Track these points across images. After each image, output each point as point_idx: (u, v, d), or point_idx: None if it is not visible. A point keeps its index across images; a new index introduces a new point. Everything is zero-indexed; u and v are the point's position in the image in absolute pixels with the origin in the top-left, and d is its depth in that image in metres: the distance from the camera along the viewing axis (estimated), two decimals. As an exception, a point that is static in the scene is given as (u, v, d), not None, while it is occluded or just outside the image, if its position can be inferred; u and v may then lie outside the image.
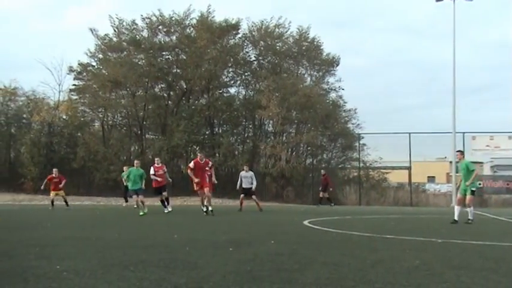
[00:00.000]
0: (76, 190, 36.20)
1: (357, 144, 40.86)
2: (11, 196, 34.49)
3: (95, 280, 5.51)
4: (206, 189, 18.02)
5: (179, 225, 14.43)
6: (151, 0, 64.30)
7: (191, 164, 18.62)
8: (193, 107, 42.36)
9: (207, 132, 42.80)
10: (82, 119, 43.57)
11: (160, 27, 42.38)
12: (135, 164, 20.29)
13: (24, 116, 44.75)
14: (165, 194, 20.56)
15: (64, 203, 24.83)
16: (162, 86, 44.09)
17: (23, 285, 5.27)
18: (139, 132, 42.97)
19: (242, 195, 22.41)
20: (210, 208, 17.92)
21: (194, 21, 42.21)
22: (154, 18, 41.80)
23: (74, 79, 44.44)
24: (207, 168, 18.43)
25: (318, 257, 7.39)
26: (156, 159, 21.70)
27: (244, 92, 44.97)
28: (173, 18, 41.86)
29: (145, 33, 42.68)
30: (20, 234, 11.22)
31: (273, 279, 5.58)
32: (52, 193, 24.67)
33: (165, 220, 16.15)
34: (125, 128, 44.56)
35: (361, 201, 37.39)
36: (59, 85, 44.64)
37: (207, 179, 18.19)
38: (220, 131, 43.29)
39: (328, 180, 31.31)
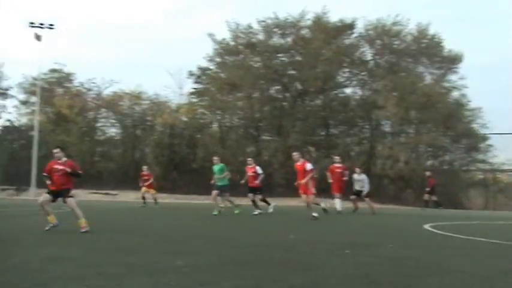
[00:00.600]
0: (196, 189, 37.36)
1: (483, 145, 38.66)
2: (136, 194, 36.18)
3: (214, 276, 5.59)
4: (304, 196, 16.14)
5: (294, 225, 14.36)
6: (266, 3, 65.08)
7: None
8: (308, 108, 42.29)
9: (323, 133, 42.55)
10: (201, 121, 45.03)
11: (275, 29, 42.80)
12: (214, 161, 19.22)
13: (148, 118, 47.04)
14: (258, 196, 19.25)
15: (153, 200, 24.48)
16: (278, 87, 44.46)
17: (147, 279, 5.45)
18: (255, 133, 43.63)
19: (354, 197, 21.81)
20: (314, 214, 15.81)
21: (309, 22, 42.21)
22: (269, 21, 42.31)
23: (194, 83, 46.19)
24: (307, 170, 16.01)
25: (441, 263, 6.97)
26: (248, 159, 20.70)
27: (360, 92, 44.23)
28: (288, 20, 42.10)
29: (260, 36, 43.29)
30: (144, 230, 11.72)
31: (392, 284, 5.33)
32: (142, 189, 24.53)
33: (280, 220, 16.15)
34: (241, 130, 45.41)
35: (487, 206, 35.30)
36: (180, 89, 46.56)
37: (309, 184, 15.87)
38: (336, 131, 42.88)
39: (433, 182, 29.62)
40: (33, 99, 45.67)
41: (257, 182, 19.06)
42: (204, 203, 32.09)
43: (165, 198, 32.97)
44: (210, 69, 45.65)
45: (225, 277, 5.53)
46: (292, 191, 32.49)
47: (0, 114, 49.70)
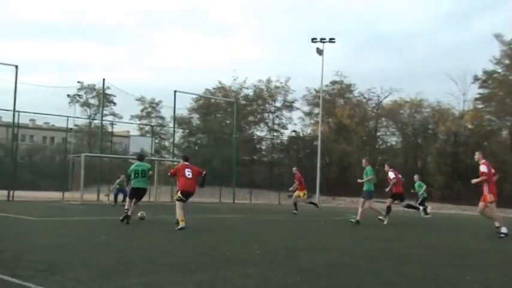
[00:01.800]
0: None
1: None
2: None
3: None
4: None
5: None
6: None
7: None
8: None
9: None
10: (488, 128, 42.06)
11: None
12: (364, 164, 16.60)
13: (430, 126, 45.72)
14: (404, 202, 17.54)
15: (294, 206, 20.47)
16: None
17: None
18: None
19: None
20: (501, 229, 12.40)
21: None
22: None
23: (479, 88, 43.46)
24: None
25: None
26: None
27: None
28: None
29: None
30: (426, 241, 11.24)
31: None
32: (295, 193, 21.70)
33: None
34: (536, 137, 41.14)
35: None
36: (464, 95, 44.19)
37: (484, 189, 12.90)
38: None
39: None
40: (316, 110, 48.18)
41: (398, 188, 16.75)
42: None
43: (450, 209, 31.45)
44: (498, 73, 42.44)
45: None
46: None
47: (287, 126, 53.84)
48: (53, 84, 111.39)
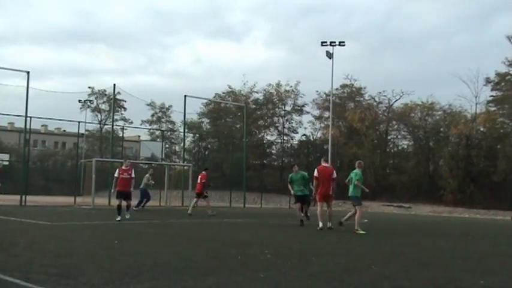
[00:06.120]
0: (498, 204, 34.43)
1: None
2: (431, 208, 35.21)
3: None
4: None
5: None
6: None
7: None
8: None
9: None
10: (501, 131, 41.65)
11: None
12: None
13: (442, 129, 45.42)
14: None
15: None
16: None
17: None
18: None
19: None
20: (325, 224, 13.54)
21: None
22: None
23: (491, 90, 43.10)
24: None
25: None
26: None
27: None
28: None
29: None
30: (437, 245, 11.10)
31: None
32: None
33: None
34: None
35: None
36: (476, 97, 43.89)
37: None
38: None
39: None
40: (327, 114, 48.09)
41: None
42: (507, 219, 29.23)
43: (461, 213, 31.21)
44: (511, 75, 41.99)
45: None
46: None
47: (297, 130, 53.80)
48: (64, 89, 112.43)
